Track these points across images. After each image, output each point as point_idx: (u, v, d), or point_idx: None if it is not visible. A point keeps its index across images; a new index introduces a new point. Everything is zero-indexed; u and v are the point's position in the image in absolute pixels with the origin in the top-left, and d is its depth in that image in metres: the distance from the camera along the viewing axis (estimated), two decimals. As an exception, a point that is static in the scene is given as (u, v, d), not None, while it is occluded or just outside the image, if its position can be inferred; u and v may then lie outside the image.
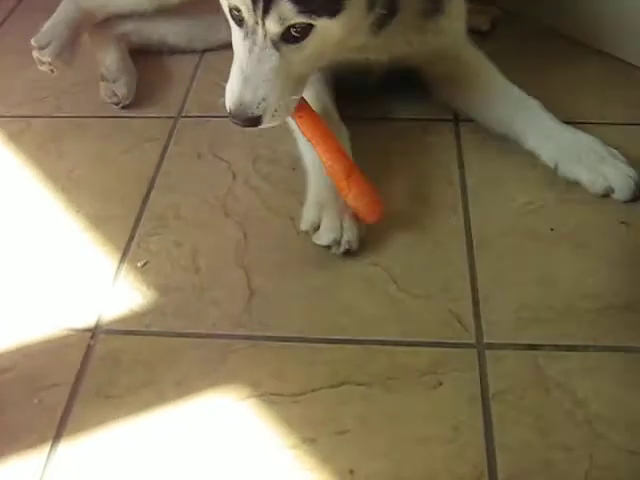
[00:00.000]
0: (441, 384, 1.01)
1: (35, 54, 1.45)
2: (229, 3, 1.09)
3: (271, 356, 1.06)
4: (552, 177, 1.26)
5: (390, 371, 1.03)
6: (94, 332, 1.10)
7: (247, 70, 1.09)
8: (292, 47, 1.09)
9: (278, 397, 1.01)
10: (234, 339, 1.09)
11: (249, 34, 1.08)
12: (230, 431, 0.98)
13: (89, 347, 1.08)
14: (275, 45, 1.08)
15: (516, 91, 1.33)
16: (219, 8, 1.19)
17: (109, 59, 1.54)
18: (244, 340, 1.08)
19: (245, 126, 1.13)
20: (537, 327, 1.07)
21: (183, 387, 1.02)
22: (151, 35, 1.61)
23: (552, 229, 1.19)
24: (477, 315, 1.09)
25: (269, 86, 1.09)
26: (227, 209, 1.27)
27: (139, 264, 1.19)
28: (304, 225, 1.19)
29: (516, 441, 0.94)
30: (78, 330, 1.11)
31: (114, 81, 1.51)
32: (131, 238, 1.24)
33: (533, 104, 1.30)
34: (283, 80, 1.10)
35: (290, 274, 1.17)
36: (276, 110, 1.11)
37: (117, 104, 1.50)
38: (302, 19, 1.06)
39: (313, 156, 1.23)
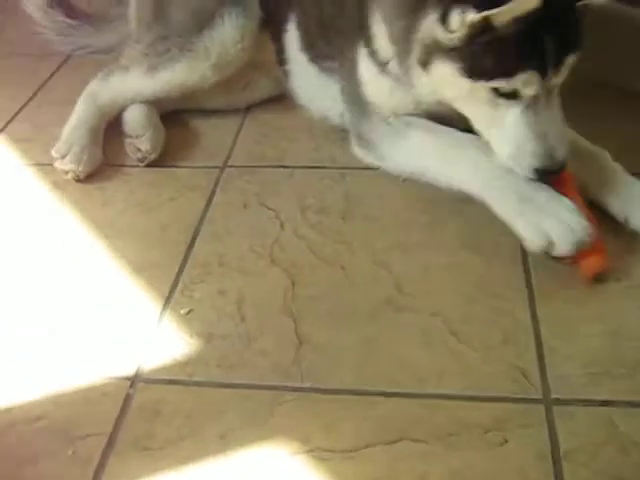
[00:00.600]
0: (506, 441, 0.91)
1: (57, 165, 1.40)
2: (504, 88, 1.08)
3: (321, 409, 0.97)
4: (618, 227, 1.17)
5: (450, 427, 0.93)
6: (133, 381, 1.02)
7: (549, 129, 1.11)
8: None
9: (329, 453, 0.91)
10: (282, 391, 1.00)
11: (532, 100, 1.09)
12: (277, 489, 0.88)
13: (127, 396, 1.00)
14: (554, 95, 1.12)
15: (583, 142, 1.25)
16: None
17: (130, 116, 1.46)
18: (292, 392, 0.99)
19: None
20: (608, 382, 0.97)
21: (227, 440, 0.93)
22: (187, 104, 1.55)
23: (618, 279, 1.10)
24: (542, 369, 0.99)
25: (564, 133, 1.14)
26: (274, 257, 1.20)
27: (182, 312, 1.12)
28: (533, 246, 1.10)
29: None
30: (117, 379, 1.02)
31: (137, 137, 1.43)
32: (175, 285, 1.16)
33: (602, 156, 1.22)
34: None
35: (340, 324, 1.08)
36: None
37: (142, 161, 1.42)
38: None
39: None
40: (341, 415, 0.96)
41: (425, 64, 1.13)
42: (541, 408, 0.94)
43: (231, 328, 1.09)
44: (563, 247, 1.07)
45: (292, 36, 1.45)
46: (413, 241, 1.21)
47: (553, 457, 0.89)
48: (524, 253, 1.15)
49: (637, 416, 0.92)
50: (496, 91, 1.09)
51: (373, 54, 1.28)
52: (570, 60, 1.08)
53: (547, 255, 1.09)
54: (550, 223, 1.08)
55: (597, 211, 1.16)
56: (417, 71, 1.16)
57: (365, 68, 1.30)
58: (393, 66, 1.24)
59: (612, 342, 1.02)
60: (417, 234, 1.22)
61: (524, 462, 0.88)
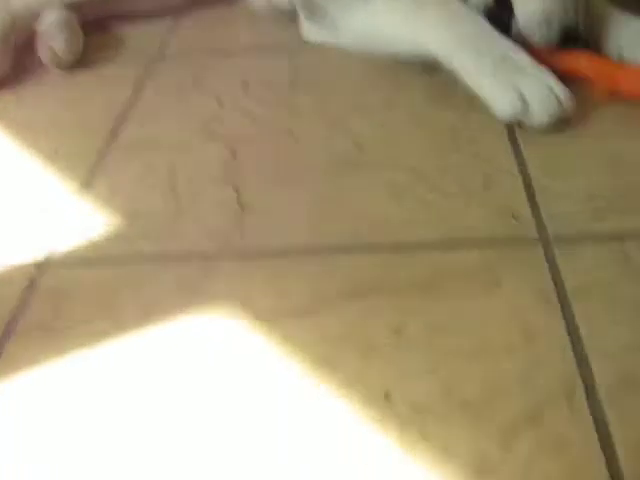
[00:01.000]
0: (500, 285, 0.72)
1: None
2: None
3: (269, 272, 0.77)
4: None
5: (430, 276, 0.74)
6: (41, 264, 0.82)
7: None
8: None
9: (281, 314, 0.72)
10: (220, 256, 0.80)
11: None
12: (216, 355, 0.68)
13: (33, 280, 0.79)
14: None
15: None
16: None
17: (45, 20, 1.25)
18: (233, 256, 0.80)
19: None
20: (616, 216, 0.78)
21: (152, 311, 0.73)
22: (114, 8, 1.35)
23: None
24: (535, 208, 0.80)
25: None
26: (212, 132, 1.00)
27: (101, 192, 0.92)
28: (505, 109, 0.91)
29: (615, 343, 0.65)
30: (24, 265, 0.82)
31: (52, 38, 1.21)
32: (95, 167, 0.96)
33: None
34: None
35: (290, 186, 0.88)
36: None
37: (58, 64, 1.21)
38: None
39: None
40: (293, 275, 0.76)
41: None
42: (538, 248, 0.75)
43: (159, 202, 0.89)
44: (542, 115, 0.89)
45: None
46: (374, 102, 1.01)
47: (559, 297, 0.70)
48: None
49: (657, 247, 0.74)
50: None
51: None
52: None
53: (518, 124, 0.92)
54: (530, 85, 0.90)
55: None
56: None
57: None
58: None
59: (614, 174, 0.84)
60: (378, 95, 1.02)
61: (524, 305, 0.69)
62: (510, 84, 0.90)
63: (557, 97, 0.89)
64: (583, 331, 0.66)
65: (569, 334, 0.66)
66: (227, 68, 1.16)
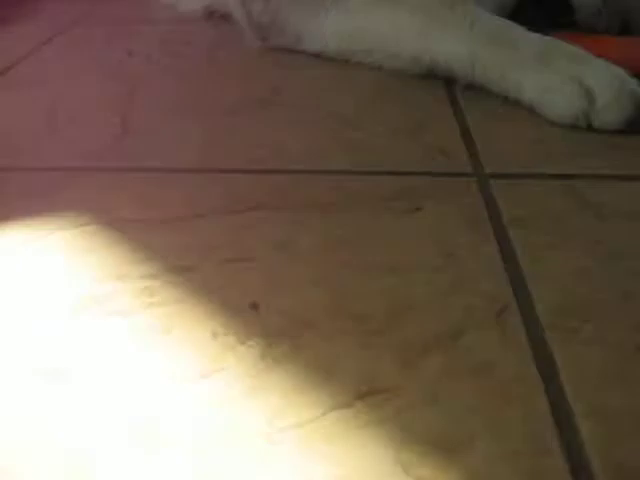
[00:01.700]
0: (419, 209, 0.55)
1: None
2: None
3: (140, 184, 0.60)
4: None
5: (333, 196, 0.57)
6: None
7: None
8: None
9: (137, 223, 0.54)
10: (84, 170, 0.63)
11: None
12: (44, 263, 0.50)
13: None
14: None
15: None
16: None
17: None
18: (99, 172, 0.63)
19: None
20: (567, 160, 0.63)
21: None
22: None
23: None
24: (471, 147, 0.65)
25: None
26: (113, 75, 0.85)
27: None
28: (564, 108, 0.67)
29: (557, 268, 0.48)
30: None
31: None
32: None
33: None
34: None
35: (188, 116, 0.73)
36: None
37: None
38: None
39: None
40: (170, 188, 0.59)
41: None
42: (471, 180, 0.60)
43: (30, 124, 0.72)
44: (616, 112, 0.66)
45: None
46: (300, 60, 0.86)
47: (493, 222, 0.53)
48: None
49: (608, 188, 0.59)
50: None
51: None
52: None
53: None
54: (596, 75, 0.67)
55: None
56: None
57: None
58: None
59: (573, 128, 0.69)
60: (307, 56, 0.87)
61: (447, 229, 0.53)
62: (567, 75, 0.67)
63: (631, 89, 0.66)
64: (520, 255, 0.49)
65: (503, 258, 0.49)
66: (147, 30, 1.01)
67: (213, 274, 0.48)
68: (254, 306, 0.45)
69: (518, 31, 0.74)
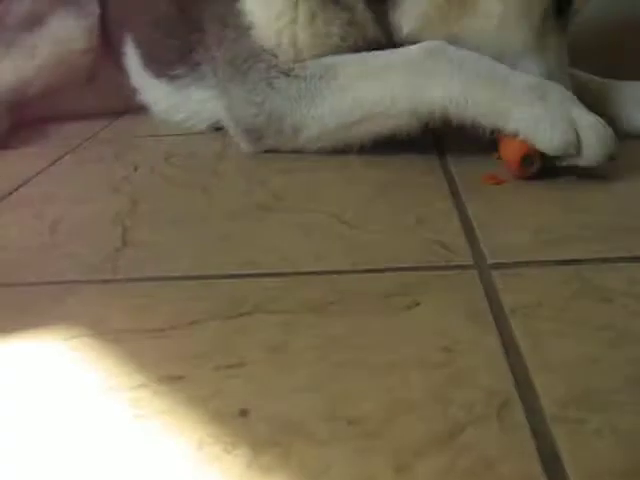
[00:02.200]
0: (418, 305, 0.54)
1: None
2: None
3: (134, 294, 0.59)
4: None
5: (330, 296, 0.56)
6: None
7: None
8: None
9: (130, 334, 0.53)
10: (81, 283, 0.63)
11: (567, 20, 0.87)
12: (36, 376, 0.49)
13: None
14: None
15: None
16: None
17: None
18: (96, 283, 0.63)
19: None
20: (569, 245, 0.61)
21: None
22: (55, 107, 1.23)
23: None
24: (473, 241, 0.64)
25: None
26: (119, 188, 0.86)
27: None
28: (555, 139, 0.73)
29: (568, 356, 0.46)
30: None
31: None
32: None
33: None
34: None
35: (189, 226, 0.73)
36: None
37: None
38: None
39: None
40: (163, 297, 0.59)
41: None
42: (472, 273, 0.58)
43: (33, 240, 0.73)
44: (598, 151, 0.72)
45: (132, 57, 1.18)
46: (301, 166, 0.87)
47: (494, 313, 0.52)
48: (443, 164, 0.84)
49: (614, 271, 0.57)
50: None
51: None
52: None
53: (565, 160, 0.74)
54: (584, 116, 0.73)
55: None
56: None
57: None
58: None
59: (569, 213, 0.68)
60: (306, 161, 0.88)
61: (446, 322, 0.51)
62: (561, 111, 0.73)
63: (611, 132, 0.73)
64: (523, 345, 0.47)
65: (504, 350, 0.47)
66: (153, 145, 1.04)
67: (204, 382, 0.47)
68: (244, 413, 0.43)
69: (504, 68, 0.79)
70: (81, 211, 0.80)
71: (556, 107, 0.74)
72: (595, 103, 0.87)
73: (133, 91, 1.20)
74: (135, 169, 0.92)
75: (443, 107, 0.78)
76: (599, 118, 0.74)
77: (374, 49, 0.89)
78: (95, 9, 1.21)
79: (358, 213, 0.72)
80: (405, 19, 0.85)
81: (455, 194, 0.75)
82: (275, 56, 0.90)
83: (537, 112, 0.74)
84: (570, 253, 0.60)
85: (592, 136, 0.72)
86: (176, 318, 0.55)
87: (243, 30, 0.92)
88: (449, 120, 0.79)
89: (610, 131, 0.73)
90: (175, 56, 1.09)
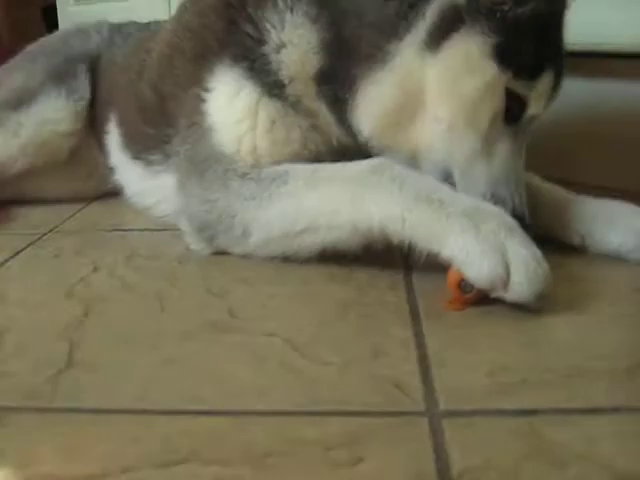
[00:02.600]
0: (361, 461, 0.51)
1: None
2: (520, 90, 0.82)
3: (72, 428, 0.57)
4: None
5: (270, 445, 0.53)
6: None
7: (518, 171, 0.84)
8: None
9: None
10: (15, 411, 0.60)
11: (525, 131, 0.85)
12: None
13: None
14: None
15: None
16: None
17: None
18: (31, 412, 0.60)
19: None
20: (527, 391, 0.59)
21: None
22: (27, 190, 1.25)
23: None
24: (427, 381, 0.62)
25: None
26: (74, 292, 0.83)
27: None
28: (482, 272, 0.70)
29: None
30: None
31: None
32: None
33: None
34: None
35: (137, 347, 0.70)
36: None
37: None
38: None
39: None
40: (95, 436, 0.56)
41: (439, 41, 0.80)
42: (423, 421, 0.56)
43: (-25, 355, 0.70)
44: (527, 289, 0.70)
45: (113, 136, 1.19)
46: (262, 276, 0.86)
47: (440, 478, 0.49)
48: (407, 282, 0.82)
49: (571, 425, 0.55)
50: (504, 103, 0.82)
51: (262, 73, 0.89)
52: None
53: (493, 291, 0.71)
54: (518, 249, 0.71)
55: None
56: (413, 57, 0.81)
57: (228, 99, 0.91)
58: (297, 88, 0.89)
59: (529, 351, 0.66)
60: (268, 270, 0.87)
61: (389, 485, 0.49)
62: (493, 243, 0.71)
63: (544, 270, 0.70)
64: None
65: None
66: (117, 241, 1.02)
67: None
68: None
69: (445, 191, 0.78)
70: (31, 319, 0.77)
71: (489, 237, 0.71)
72: (555, 216, 0.89)
73: (110, 171, 1.21)
74: (94, 269, 0.90)
75: (382, 225, 0.78)
76: (535, 252, 0.71)
77: (341, 153, 0.89)
78: (86, 94, 1.23)
79: (313, 338, 0.70)
80: (362, 123, 0.85)
81: (415, 319, 0.73)
82: (234, 160, 0.89)
83: (469, 241, 0.72)
84: (526, 401, 0.58)
85: (522, 272, 0.69)
86: (109, 463, 0.52)
87: (205, 131, 0.92)
88: (389, 238, 0.78)
89: (544, 268, 0.70)
90: (152, 143, 1.09)
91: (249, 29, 0.89)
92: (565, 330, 0.70)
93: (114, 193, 1.22)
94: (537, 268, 0.70)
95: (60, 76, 1.22)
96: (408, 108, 0.83)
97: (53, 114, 1.19)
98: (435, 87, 0.81)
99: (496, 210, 0.76)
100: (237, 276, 0.86)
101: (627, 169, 1.15)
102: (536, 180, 0.93)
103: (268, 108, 0.88)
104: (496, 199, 0.80)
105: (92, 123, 1.24)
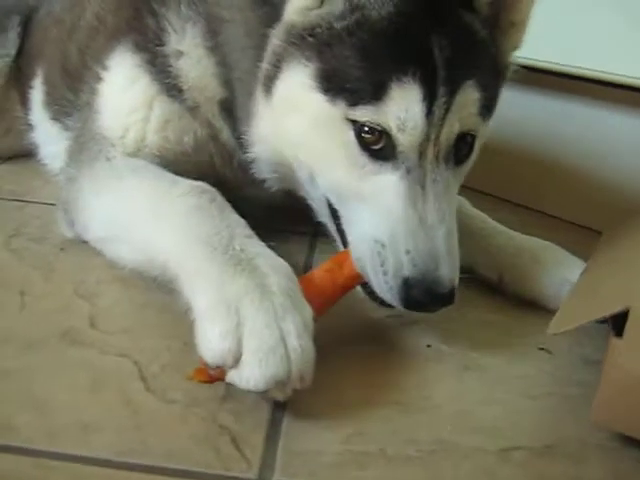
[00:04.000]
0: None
1: None
2: (370, 119, 0.65)
3: None
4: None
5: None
6: None
7: (436, 224, 0.65)
8: (459, 171, 0.71)
9: None
10: None
11: (417, 163, 0.66)
12: None
13: None
14: (448, 170, 0.68)
15: None
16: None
17: None
18: None
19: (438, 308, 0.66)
20: (380, 465, 0.53)
21: None
22: None
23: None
24: (271, 440, 0.55)
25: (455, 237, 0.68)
26: None
27: None
28: (210, 345, 0.56)
29: None
30: None
31: None
32: None
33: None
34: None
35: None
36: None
37: None
38: (478, 123, 0.70)
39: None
40: None
41: (271, 81, 0.70)
42: (249, 493, 0.50)
43: None
44: (256, 376, 0.54)
45: (37, 92, 1.11)
46: (145, 278, 0.78)
47: None
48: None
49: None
50: (361, 139, 0.66)
51: (162, 73, 0.82)
52: (469, 92, 0.67)
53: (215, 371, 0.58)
54: (258, 321, 0.57)
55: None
56: (260, 108, 0.73)
57: (123, 84, 0.83)
58: (195, 96, 0.81)
59: (397, 416, 0.60)
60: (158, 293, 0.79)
61: None
62: (231, 309, 0.57)
63: (284, 352, 0.56)
64: None
65: None
66: (12, 212, 0.94)
67: None
68: None
69: (227, 237, 0.65)
70: None
71: (233, 295, 0.58)
72: (476, 248, 0.83)
73: (28, 128, 1.13)
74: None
75: (166, 252, 0.67)
76: (287, 328, 0.57)
77: (242, 169, 0.82)
78: (12, 50, 1.15)
79: (167, 366, 0.63)
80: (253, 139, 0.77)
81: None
82: (113, 144, 0.82)
83: (212, 298, 0.59)
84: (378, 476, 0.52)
85: (253, 351, 0.55)
86: None
87: (95, 112, 0.84)
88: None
89: (288, 349, 0.56)
90: (70, 109, 1.01)
91: (151, 22, 0.81)
92: (445, 392, 0.64)
93: (28, 154, 1.14)
94: (275, 348, 0.55)
95: None
96: (283, 152, 0.73)
97: None
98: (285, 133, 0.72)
99: (261, 272, 0.61)
100: (116, 274, 0.78)
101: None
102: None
103: (163, 107, 0.81)
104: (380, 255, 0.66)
105: (17, 76, 1.16)
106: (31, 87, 1.12)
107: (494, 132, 0.76)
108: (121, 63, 0.83)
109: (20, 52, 1.15)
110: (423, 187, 0.66)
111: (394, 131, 0.65)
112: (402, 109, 0.64)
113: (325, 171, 0.70)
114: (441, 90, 0.65)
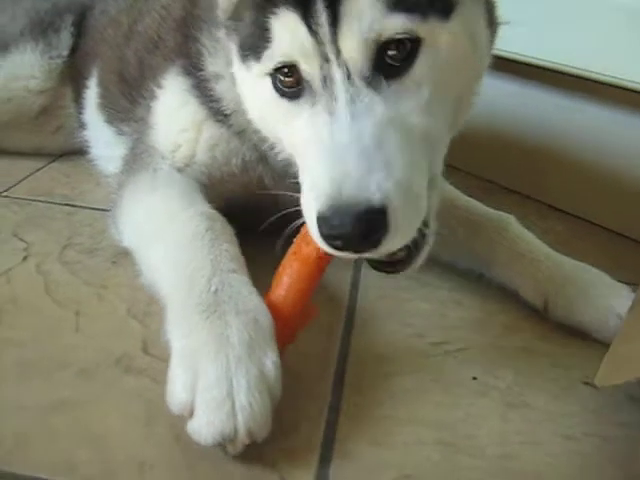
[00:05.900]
0: None
1: None
2: (273, 64, 0.66)
3: None
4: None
5: None
6: None
7: (341, 141, 0.61)
8: (397, 85, 0.63)
9: None
10: None
11: (321, 89, 0.64)
12: None
13: None
14: (370, 86, 0.62)
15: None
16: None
17: None
18: None
19: (358, 250, 0.61)
20: None
21: None
22: None
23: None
24: (319, 481, 0.57)
25: (384, 154, 0.61)
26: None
27: None
28: (174, 393, 0.58)
29: None
30: None
31: None
32: None
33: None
34: (403, 145, 0.62)
35: (35, 378, 0.66)
36: (406, 208, 0.61)
37: None
38: (398, 25, 0.61)
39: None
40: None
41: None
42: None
43: None
44: (205, 429, 0.56)
45: (92, 92, 1.13)
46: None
47: None
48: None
49: None
50: (278, 88, 0.67)
51: (206, 97, 0.84)
52: (364, 6, 0.61)
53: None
54: (209, 372, 0.58)
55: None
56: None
57: (175, 104, 0.86)
58: (240, 121, 0.81)
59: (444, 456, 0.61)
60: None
61: None
62: (192, 361, 0.59)
63: (234, 410, 0.56)
64: None
65: None
66: (61, 220, 0.97)
67: None
68: None
69: (206, 277, 0.66)
70: None
71: (192, 366, 0.58)
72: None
73: (81, 126, 1.16)
74: (24, 259, 0.86)
75: (160, 281, 0.72)
76: (241, 383, 0.57)
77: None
78: (64, 51, 1.17)
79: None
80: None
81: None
82: (164, 157, 0.85)
83: (180, 347, 0.61)
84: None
85: (203, 405, 0.56)
86: None
87: (148, 127, 0.88)
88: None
89: (239, 405, 0.56)
90: (126, 115, 1.03)
91: (193, 48, 0.84)
92: (490, 431, 0.64)
93: (79, 151, 1.17)
94: (222, 405, 0.56)
95: (41, 27, 1.16)
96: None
97: (25, 70, 1.14)
98: None
99: (244, 313, 0.62)
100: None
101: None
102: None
103: (212, 131, 0.83)
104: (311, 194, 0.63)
105: (72, 74, 1.18)
106: (86, 87, 1.15)
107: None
108: (173, 84, 0.86)
109: (75, 50, 1.17)
110: (332, 113, 0.62)
111: (296, 64, 0.64)
112: (287, 39, 0.63)
113: (274, 135, 0.72)
114: (319, 4, 0.61)
